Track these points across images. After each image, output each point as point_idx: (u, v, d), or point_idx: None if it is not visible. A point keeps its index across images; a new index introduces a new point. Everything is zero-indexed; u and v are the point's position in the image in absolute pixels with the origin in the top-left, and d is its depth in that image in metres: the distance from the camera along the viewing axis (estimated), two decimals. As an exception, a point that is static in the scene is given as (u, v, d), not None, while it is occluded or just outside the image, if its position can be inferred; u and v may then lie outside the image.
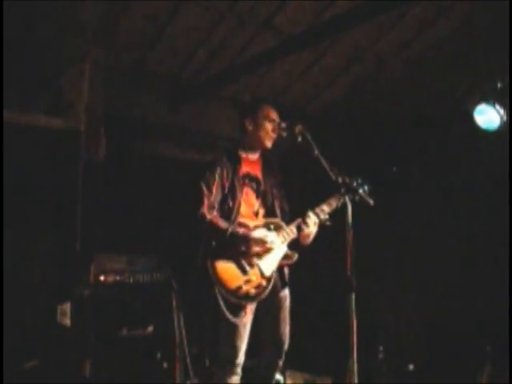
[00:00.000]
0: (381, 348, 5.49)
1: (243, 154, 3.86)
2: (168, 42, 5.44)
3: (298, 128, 3.54)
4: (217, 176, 3.67)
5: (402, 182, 6.50)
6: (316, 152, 3.44)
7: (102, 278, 4.44)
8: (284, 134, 3.69)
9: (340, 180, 3.37)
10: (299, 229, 3.72)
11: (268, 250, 3.59)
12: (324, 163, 3.40)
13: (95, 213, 4.70)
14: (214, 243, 3.57)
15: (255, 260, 3.57)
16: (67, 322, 4.38)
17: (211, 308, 3.50)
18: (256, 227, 3.67)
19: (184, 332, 4.53)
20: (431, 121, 6.31)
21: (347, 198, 3.33)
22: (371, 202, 3.75)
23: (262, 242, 3.56)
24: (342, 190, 3.37)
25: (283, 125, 3.70)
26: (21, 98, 4.64)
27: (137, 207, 5.38)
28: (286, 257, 3.74)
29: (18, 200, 4.37)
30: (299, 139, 3.53)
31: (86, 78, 4.82)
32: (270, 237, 3.60)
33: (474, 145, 5.84)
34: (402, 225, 6.51)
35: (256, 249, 3.55)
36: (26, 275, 4.41)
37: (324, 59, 5.94)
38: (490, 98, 5.16)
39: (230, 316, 3.47)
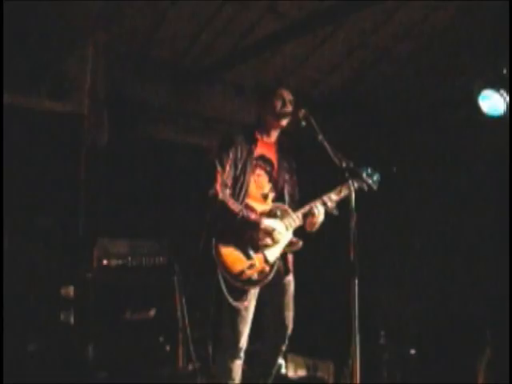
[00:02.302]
0: (382, 333, 5.50)
1: (259, 136, 3.83)
2: (171, 26, 5.39)
3: (302, 112, 3.52)
4: (231, 154, 3.65)
5: (406, 170, 6.48)
6: (320, 137, 3.42)
7: (104, 261, 4.45)
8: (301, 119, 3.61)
9: (344, 165, 3.35)
10: (305, 216, 3.71)
11: (275, 241, 3.59)
12: (328, 148, 3.39)
13: (98, 197, 4.70)
14: (220, 225, 3.56)
15: (260, 246, 3.57)
16: (70, 305, 4.40)
17: (214, 292, 3.51)
18: (263, 213, 3.66)
19: (186, 316, 4.54)
20: (435, 107, 6.27)
21: (351, 183, 3.33)
22: (375, 187, 3.74)
23: (270, 232, 3.56)
24: (346, 175, 3.36)
25: (301, 112, 3.61)
26: (24, 82, 4.63)
27: (139, 191, 5.38)
28: (290, 244, 3.74)
29: (21, 184, 4.37)
30: (303, 124, 3.52)
31: (88, 62, 4.81)
32: (279, 228, 3.60)
33: (479, 131, 5.81)
34: (405, 211, 6.49)
35: (263, 238, 3.55)
36: (28, 260, 4.42)
37: (328, 44, 5.89)
38: (495, 84, 5.12)
39: (232, 300, 3.48)
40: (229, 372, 3.65)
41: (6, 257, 4.17)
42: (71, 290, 4.39)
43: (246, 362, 3.72)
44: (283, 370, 5.21)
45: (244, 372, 3.75)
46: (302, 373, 5.22)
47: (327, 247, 5.79)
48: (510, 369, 3.89)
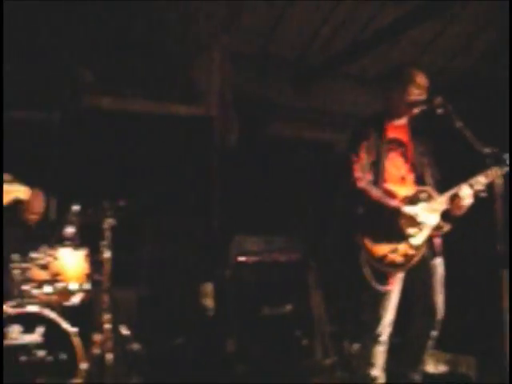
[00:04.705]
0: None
1: (388, 121, 3.76)
2: (291, 24, 5.44)
3: (439, 100, 3.41)
4: (363, 141, 3.60)
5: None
6: (459, 123, 3.30)
7: (241, 258, 4.55)
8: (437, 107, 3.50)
9: (487, 150, 3.21)
10: (452, 199, 3.58)
11: (418, 225, 3.51)
12: (468, 134, 3.27)
13: (231, 196, 4.83)
14: (361, 212, 3.53)
15: (403, 230, 3.50)
16: (210, 302, 4.55)
17: (356, 276, 3.47)
18: (406, 198, 3.58)
19: (323, 310, 4.56)
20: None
21: (496, 168, 3.18)
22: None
23: (413, 216, 3.48)
24: (489, 161, 3.21)
25: (438, 100, 3.50)
26: (155, 89, 4.86)
27: (270, 188, 5.45)
28: (437, 227, 3.62)
29: (159, 187, 4.58)
30: (439, 111, 3.40)
31: (215, 65, 4.96)
32: (423, 212, 3.51)
33: None
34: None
35: (406, 222, 3.48)
36: (168, 259, 4.63)
37: (452, 26, 5.68)
38: None
39: (375, 284, 3.43)
40: (370, 357, 3.58)
41: (148, 257, 4.39)
42: (210, 287, 4.55)
43: (393, 354, 3.64)
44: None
45: (388, 366, 3.68)
46: (443, 368, 5.05)
47: (476, 234, 5.53)
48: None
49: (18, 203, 2.98)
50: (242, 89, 5.32)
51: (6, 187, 2.89)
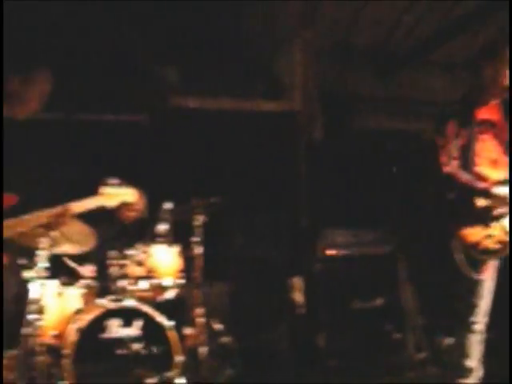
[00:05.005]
0: None
1: (480, 102, 3.62)
2: (371, 13, 5.36)
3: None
4: (452, 126, 3.50)
5: None
6: None
7: (330, 252, 4.54)
8: None
9: None
10: None
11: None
12: None
13: (319, 189, 4.82)
14: (451, 197, 3.43)
15: (496, 215, 3.37)
16: (299, 296, 4.56)
17: (449, 264, 3.38)
18: (499, 181, 3.45)
19: (414, 302, 4.48)
20: None
21: None
22: None
23: (504, 200, 3.35)
24: None
25: None
26: (239, 86, 4.91)
27: (358, 181, 5.39)
28: None
29: (247, 184, 4.64)
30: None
31: (297, 60, 4.95)
32: None
33: None
34: None
35: (499, 206, 3.35)
36: (258, 254, 4.67)
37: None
38: None
39: (468, 272, 3.33)
40: (465, 348, 3.48)
41: (238, 252, 4.45)
42: (299, 281, 4.57)
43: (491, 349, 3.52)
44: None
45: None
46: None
47: None
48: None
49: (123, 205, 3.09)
50: (324, 82, 5.30)
51: (114, 190, 3.02)
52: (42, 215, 2.74)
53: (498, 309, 3.51)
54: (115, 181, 3.05)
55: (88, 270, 3.85)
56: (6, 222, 2.56)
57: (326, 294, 4.51)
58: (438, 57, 5.87)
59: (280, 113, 4.81)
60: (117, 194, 3.04)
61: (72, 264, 3.83)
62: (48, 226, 2.79)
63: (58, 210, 2.79)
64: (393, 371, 4.46)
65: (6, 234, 2.55)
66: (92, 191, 2.99)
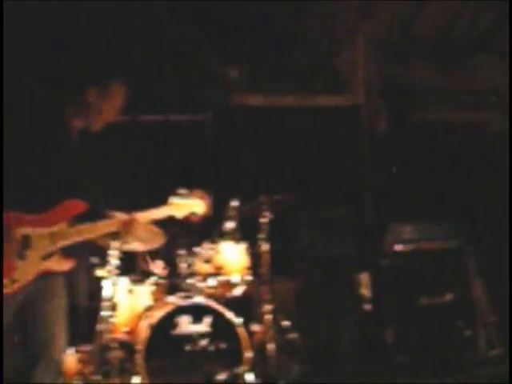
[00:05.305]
0: None
1: None
2: (433, 4, 5.26)
3: None
4: None
5: None
6: None
7: (397, 247, 4.48)
8: None
9: None
10: None
11: None
12: None
13: (383, 183, 4.77)
14: None
15: None
16: (367, 292, 4.52)
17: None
18: None
19: (485, 298, 4.36)
20: None
21: None
22: None
23: None
24: None
25: None
26: (301, 82, 4.91)
27: (422, 174, 5.30)
28: None
29: (312, 179, 4.63)
30: None
31: (359, 53, 4.92)
32: None
33: None
34: None
35: None
36: (324, 250, 4.66)
37: None
38: None
39: None
40: None
41: (305, 248, 4.45)
42: (367, 277, 4.53)
43: None
44: None
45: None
46: None
47: None
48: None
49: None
50: (387, 75, 5.23)
51: (183, 201, 3.03)
52: (110, 223, 2.74)
53: None
54: (184, 191, 3.07)
55: (159, 266, 3.92)
56: (75, 228, 2.58)
57: (393, 290, 4.45)
58: (501, 46, 5.70)
59: (343, 108, 4.78)
60: (186, 205, 3.03)
61: (147, 258, 3.91)
62: (115, 234, 2.80)
63: (126, 218, 2.77)
64: (464, 369, 4.36)
65: (74, 239, 2.57)
66: (159, 194, 3.01)
